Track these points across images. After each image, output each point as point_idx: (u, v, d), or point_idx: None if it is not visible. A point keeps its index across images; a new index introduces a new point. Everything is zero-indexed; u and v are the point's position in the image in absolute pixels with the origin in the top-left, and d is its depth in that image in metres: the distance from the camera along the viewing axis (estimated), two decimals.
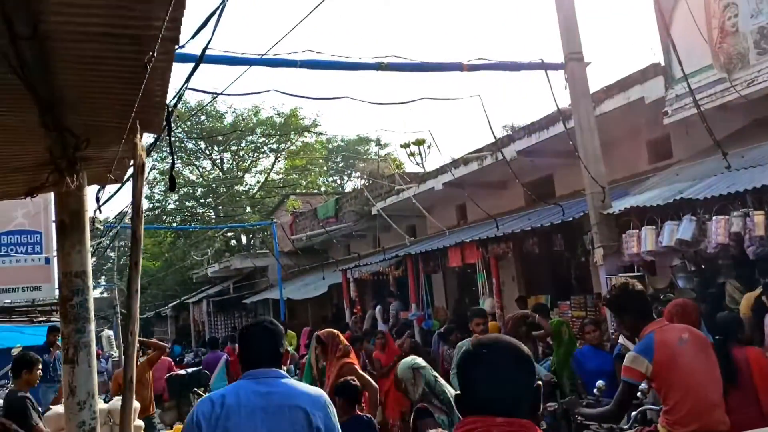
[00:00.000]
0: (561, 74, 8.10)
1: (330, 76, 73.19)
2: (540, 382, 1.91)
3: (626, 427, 4.55)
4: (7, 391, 6.45)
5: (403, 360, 5.89)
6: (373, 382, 5.99)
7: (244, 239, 31.43)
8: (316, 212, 21.33)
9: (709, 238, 6.37)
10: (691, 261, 7.29)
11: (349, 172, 41.00)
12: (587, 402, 5.02)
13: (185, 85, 4.86)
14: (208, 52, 5.02)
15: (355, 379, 5.37)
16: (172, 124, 3.16)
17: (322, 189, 37.21)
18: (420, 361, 5.57)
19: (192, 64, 4.45)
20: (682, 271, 7.37)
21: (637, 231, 7.25)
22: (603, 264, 7.76)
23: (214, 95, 9.01)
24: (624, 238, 7.50)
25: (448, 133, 64.54)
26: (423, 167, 14.81)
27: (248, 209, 35.33)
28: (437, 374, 5.45)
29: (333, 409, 2.93)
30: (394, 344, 9.53)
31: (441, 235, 13.99)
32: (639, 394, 4.49)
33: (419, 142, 14.67)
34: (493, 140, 10.03)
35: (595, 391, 5.06)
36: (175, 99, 4.88)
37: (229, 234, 30.16)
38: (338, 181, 42.42)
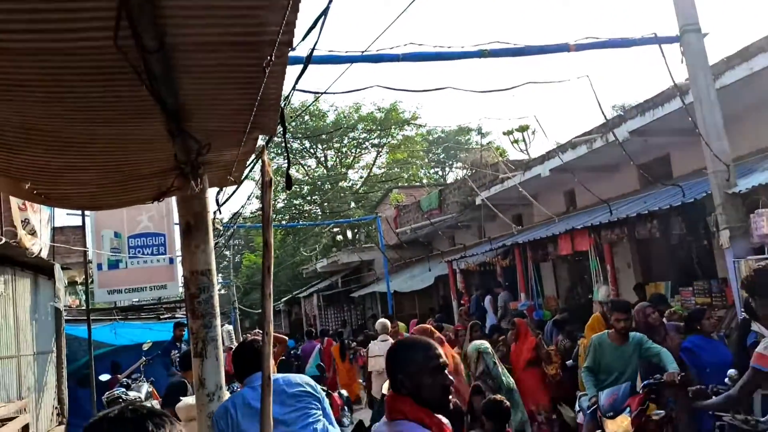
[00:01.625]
0: (676, 48, 7.66)
1: (431, 67, 73.11)
2: None
3: (763, 419, 4.25)
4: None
5: (474, 342, 7.40)
6: None
7: (349, 234, 32.07)
8: (420, 205, 21.37)
9: None
10: None
11: (451, 162, 40.83)
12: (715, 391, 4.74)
13: (294, 87, 4.99)
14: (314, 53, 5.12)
15: None
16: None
17: (424, 181, 37.25)
18: (487, 346, 7.06)
19: (300, 66, 4.55)
20: None
21: (767, 210, 6.73)
22: (730, 247, 7.26)
23: (318, 94, 9.21)
24: (752, 218, 6.98)
25: (554, 118, 62.86)
26: (528, 154, 14.48)
27: (353, 204, 35.97)
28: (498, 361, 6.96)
29: None
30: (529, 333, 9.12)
31: (549, 222, 13.62)
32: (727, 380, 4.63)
33: (523, 129, 14.35)
34: (604, 121, 9.62)
35: (726, 381, 4.78)
36: (284, 101, 5.03)
37: (335, 229, 30.82)
38: (440, 173, 42.34)
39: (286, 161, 36.22)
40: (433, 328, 7.66)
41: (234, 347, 6.93)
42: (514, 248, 13.14)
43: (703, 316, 6.17)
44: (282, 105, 3.08)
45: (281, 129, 3.08)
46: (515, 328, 8.20)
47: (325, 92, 7.43)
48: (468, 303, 15.32)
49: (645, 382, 5.49)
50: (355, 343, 14.65)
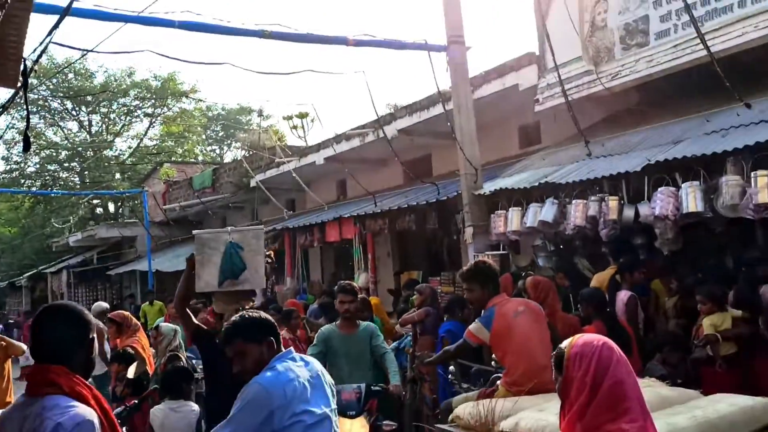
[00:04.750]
0: (443, 56, 8.30)
1: (212, 41, 70.41)
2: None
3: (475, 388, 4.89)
4: None
5: None
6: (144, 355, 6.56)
7: (111, 207, 29.72)
8: (192, 182, 20.57)
9: (568, 221, 6.81)
10: (551, 241, 7.81)
11: (229, 141, 39.82)
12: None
13: (49, 38, 4.49)
14: (75, 5, 4.68)
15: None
16: (33, 80, 2.93)
17: (200, 158, 35.90)
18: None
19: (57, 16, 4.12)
20: (542, 250, 7.88)
21: (505, 212, 7.62)
22: (472, 242, 8.10)
23: (84, 52, 8.41)
24: (492, 218, 7.86)
25: (332, 109, 64.39)
26: (305, 141, 14.68)
27: (117, 176, 33.42)
28: None
29: None
30: None
31: (320, 209, 13.99)
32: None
33: (302, 116, 14.49)
34: (376, 117, 10.12)
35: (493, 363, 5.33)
36: (37, 53, 4.51)
37: (95, 201, 28.35)
38: (217, 151, 41.08)
39: (39, 121, 32.61)
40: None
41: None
42: (284, 233, 13.28)
43: (465, 305, 6.54)
44: (30, 57, 2.77)
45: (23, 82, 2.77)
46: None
47: (91, 50, 6.81)
48: None
49: (372, 389, 5.02)
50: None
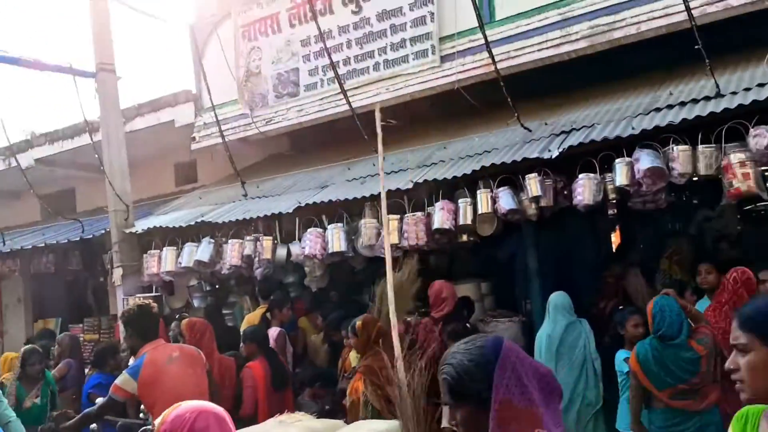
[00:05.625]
0: (92, 84, 7.69)
1: None
2: None
3: None
4: None
5: None
6: None
7: None
8: None
9: (224, 260, 6.82)
10: (207, 281, 7.71)
11: None
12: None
13: None
14: None
15: None
16: None
17: None
18: None
19: None
20: (198, 290, 7.72)
21: (159, 251, 7.30)
22: (121, 284, 7.55)
23: None
24: (145, 258, 7.45)
25: None
26: None
27: None
28: None
29: None
30: None
31: None
32: None
33: None
34: (7, 144, 8.84)
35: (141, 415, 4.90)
36: None
37: None
38: None
39: None
40: None
41: None
42: None
43: (117, 352, 6.35)
44: None
45: None
46: None
47: None
48: None
49: None
50: None
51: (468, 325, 5.56)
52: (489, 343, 1.73)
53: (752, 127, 4.55)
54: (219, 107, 8.11)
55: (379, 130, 4.96)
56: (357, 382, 4.53)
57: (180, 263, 7.06)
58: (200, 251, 6.91)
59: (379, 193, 5.09)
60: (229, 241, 6.81)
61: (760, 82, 4.88)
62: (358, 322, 4.73)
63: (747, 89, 4.87)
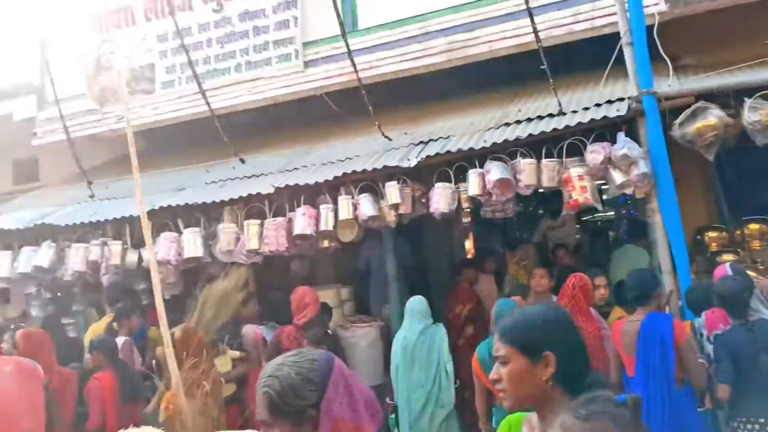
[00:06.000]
0: None
1: None
2: None
3: None
4: None
5: None
6: None
7: None
8: None
9: (67, 265, 6.35)
10: (47, 288, 7.13)
11: None
12: None
13: None
14: None
15: None
16: None
17: None
18: None
19: None
20: (36, 299, 7.13)
21: None
22: None
23: None
24: None
25: None
26: None
27: None
28: None
29: None
30: None
31: None
32: None
33: None
34: None
35: None
36: None
37: None
38: None
39: None
40: None
41: None
42: None
43: None
44: None
45: None
46: None
47: None
48: None
49: None
50: None
51: (329, 331, 5.57)
52: (322, 358, 1.65)
53: (589, 144, 4.96)
54: (65, 101, 7.53)
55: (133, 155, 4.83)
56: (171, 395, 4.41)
57: (16, 269, 6.49)
58: (40, 256, 6.39)
59: (239, 197, 4.99)
60: (73, 245, 6.34)
61: (598, 102, 5.33)
62: (177, 332, 4.61)
63: (586, 108, 5.30)
